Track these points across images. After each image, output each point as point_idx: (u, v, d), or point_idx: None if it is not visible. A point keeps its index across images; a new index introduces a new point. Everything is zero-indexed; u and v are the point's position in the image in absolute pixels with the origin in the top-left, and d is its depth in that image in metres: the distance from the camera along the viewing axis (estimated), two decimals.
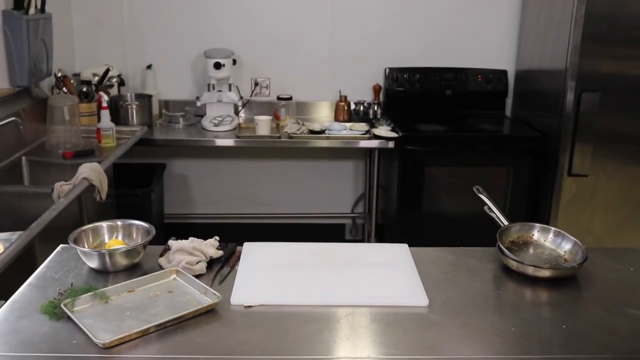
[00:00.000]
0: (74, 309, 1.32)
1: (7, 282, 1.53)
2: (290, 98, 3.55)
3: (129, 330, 1.24)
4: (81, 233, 1.61)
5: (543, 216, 3.24)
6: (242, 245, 1.69)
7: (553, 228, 1.71)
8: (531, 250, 1.67)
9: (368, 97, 3.69)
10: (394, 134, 3.21)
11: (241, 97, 3.51)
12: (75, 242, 1.56)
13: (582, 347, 1.26)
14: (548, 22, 3.26)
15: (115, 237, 1.65)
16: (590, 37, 2.96)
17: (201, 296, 1.39)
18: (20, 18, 2.70)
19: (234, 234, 3.89)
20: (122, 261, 1.53)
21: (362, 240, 3.98)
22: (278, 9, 3.60)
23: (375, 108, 3.59)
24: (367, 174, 3.84)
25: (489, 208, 1.75)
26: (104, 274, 1.52)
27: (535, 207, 3.33)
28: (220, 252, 1.61)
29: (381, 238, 3.62)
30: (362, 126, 3.34)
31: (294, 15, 3.61)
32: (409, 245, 1.70)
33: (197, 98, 3.45)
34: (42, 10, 2.90)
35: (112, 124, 3.00)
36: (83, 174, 2.36)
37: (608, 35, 2.96)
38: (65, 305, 1.32)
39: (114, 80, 3.48)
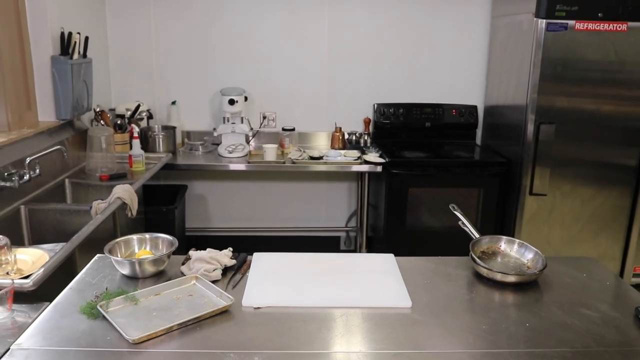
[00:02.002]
0: (109, 309, 1.32)
1: (51, 286, 1.52)
2: (294, 129, 3.57)
3: (155, 328, 1.24)
4: (115, 244, 1.61)
5: (509, 230, 3.24)
6: (252, 255, 1.69)
7: (517, 240, 1.71)
8: (499, 259, 1.67)
9: (359, 128, 3.71)
10: (381, 160, 3.22)
11: (251, 129, 3.53)
12: (110, 252, 1.56)
13: (543, 342, 1.25)
14: (511, 65, 3.29)
15: (144, 248, 1.65)
16: (546, 78, 2.99)
17: (217, 299, 1.39)
18: (66, 62, 2.73)
19: (245, 245, 3.89)
20: (150, 269, 1.53)
21: (354, 251, 3.96)
22: (283, 55, 3.63)
23: (366, 138, 3.61)
24: (358, 194, 3.84)
25: (463, 223, 1.76)
26: (134, 279, 1.52)
27: (502, 222, 3.33)
28: (233, 261, 1.61)
29: (371, 249, 3.61)
30: (355, 153, 3.35)
31: (297, 60, 3.64)
32: (395, 255, 1.70)
33: (214, 129, 3.45)
34: (84, 55, 2.93)
35: (142, 151, 3.01)
36: (117, 193, 2.36)
37: (561, 75, 2.99)
38: (101, 306, 1.31)
39: (144, 114, 3.49)
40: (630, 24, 2.91)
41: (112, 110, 3.46)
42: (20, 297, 1.43)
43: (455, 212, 1.79)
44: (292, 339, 1.25)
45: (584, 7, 2.89)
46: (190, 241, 3.81)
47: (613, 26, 2.91)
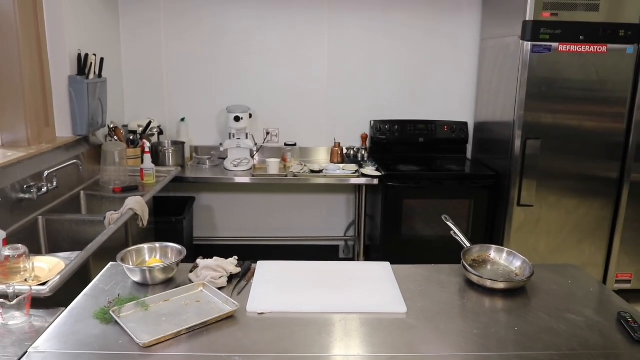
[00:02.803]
0: (120, 315, 1.32)
1: (67, 293, 1.52)
2: (295, 144, 3.58)
3: (165, 333, 1.23)
4: (127, 253, 1.61)
5: (498, 239, 3.23)
6: (256, 263, 1.69)
7: (506, 249, 1.71)
8: (489, 267, 1.67)
9: (357, 143, 3.72)
10: (378, 173, 3.22)
11: (256, 144, 3.54)
12: (122, 260, 1.56)
13: (531, 345, 1.25)
14: (499, 84, 3.31)
15: (154, 256, 1.65)
16: (532, 96, 3.00)
17: (223, 305, 1.39)
18: (82, 82, 2.74)
19: (250, 254, 3.89)
20: (160, 276, 1.53)
21: (352, 259, 3.96)
22: (286, 74, 3.65)
23: (363, 152, 3.61)
24: (356, 205, 3.85)
25: (455, 232, 1.76)
26: (144, 286, 1.52)
27: (491, 231, 3.32)
28: (238, 269, 1.61)
29: (368, 257, 3.60)
30: (353, 167, 3.36)
31: (298, 79, 3.67)
32: (391, 263, 1.70)
33: (221, 144, 3.47)
34: (100, 75, 2.95)
35: (152, 165, 3.02)
36: (129, 205, 2.37)
37: (546, 94, 3.00)
38: (113, 311, 1.31)
39: (155, 130, 3.51)
40: (610, 46, 2.94)
41: (125, 126, 3.48)
42: (38, 302, 1.42)
43: (448, 223, 1.79)
44: (294, 343, 1.24)
45: (566, 31, 2.91)
46: (198, 250, 3.80)
47: (594, 48, 2.94)
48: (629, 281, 3.26)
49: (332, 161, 3.58)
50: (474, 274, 1.55)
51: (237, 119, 3.32)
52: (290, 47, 3.62)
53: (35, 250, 2.27)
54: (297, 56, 3.63)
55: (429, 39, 3.64)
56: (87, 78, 2.79)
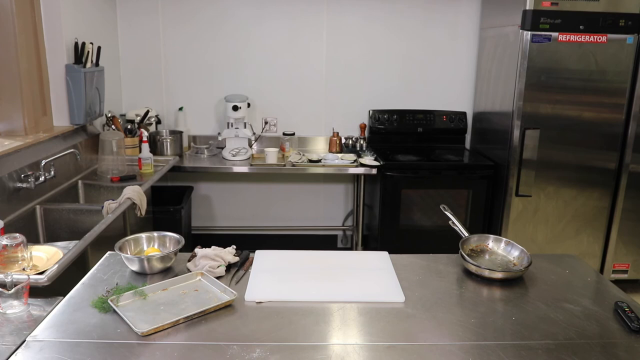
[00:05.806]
0: (119, 303, 1.32)
1: (65, 282, 1.52)
2: (294, 134, 3.57)
3: (163, 321, 1.24)
4: (125, 242, 1.61)
5: (496, 229, 3.24)
6: (254, 252, 1.69)
7: (504, 238, 1.71)
8: (487, 257, 1.67)
9: (356, 133, 3.71)
10: (376, 163, 3.22)
11: (254, 133, 3.53)
12: (120, 249, 1.56)
13: (528, 335, 1.26)
14: (498, 74, 3.29)
15: (152, 245, 1.64)
16: (531, 86, 2.99)
17: (221, 294, 1.39)
18: (79, 71, 2.73)
19: (248, 243, 3.89)
20: (158, 265, 1.53)
21: (350, 248, 3.96)
22: (284, 64, 3.63)
23: (362, 142, 3.60)
24: (354, 195, 3.85)
25: (453, 222, 1.76)
26: (143, 275, 1.52)
27: (490, 221, 3.33)
28: (237, 258, 1.61)
29: (366, 246, 3.61)
30: (351, 156, 3.35)
31: (297, 68, 3.65)
32: (389, 253, 1.70)
33: (219, 134, 3.45)
34: (97, 64, 2.93)
35: (150, 155, 3.01)
36: (127, 194, 2.36)
37: (545, 84, 2.99)
38: (111, 300, 1.31)
39: (153, 119, 3.49)
40: (610, 35, 2.92)
41: (123, 115, 3.46)
42: (36, 291, 1.42)
43: (446, 212, 1.79)
44: (292, 332, 1.25)
45: (566, 20, 2.90)
46: (196, 239, 3.81)
47: (594, 38, 2.92)
48: (625, 271, 3.27)
49: (330, 151, 3.57)
50: (472, 264, 1.55)
51: (235, 108, 3.31)
52: (289, 36, 3.59)
53: (33, 239, 2.26)
54: (296, 45, 3.61)
55: (428, 28, 3.62)
56: (84, 67, 2.77)
